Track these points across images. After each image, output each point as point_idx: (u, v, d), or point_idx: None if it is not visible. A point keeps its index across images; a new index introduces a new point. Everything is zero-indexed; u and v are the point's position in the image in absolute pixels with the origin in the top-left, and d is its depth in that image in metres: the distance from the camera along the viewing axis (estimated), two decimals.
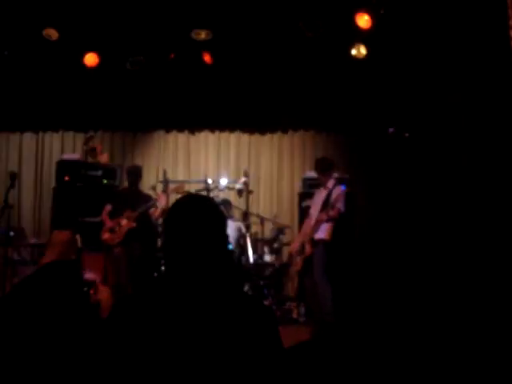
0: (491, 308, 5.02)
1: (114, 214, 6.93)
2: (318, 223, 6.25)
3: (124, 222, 6.84)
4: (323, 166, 6.52)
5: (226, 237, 1.90)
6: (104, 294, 3.49)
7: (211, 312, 1.69)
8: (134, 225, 6.81)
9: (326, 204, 6.24)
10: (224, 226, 1.91)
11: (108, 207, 6.98)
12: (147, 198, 7.03)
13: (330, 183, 6.39)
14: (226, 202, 7.76)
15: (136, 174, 7.15)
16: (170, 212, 1.88)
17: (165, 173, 7.63)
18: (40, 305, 2.02)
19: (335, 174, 6.60)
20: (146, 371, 1.62)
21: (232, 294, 1.78)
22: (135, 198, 6.95)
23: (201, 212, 1.83)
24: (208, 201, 1.93)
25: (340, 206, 6.19)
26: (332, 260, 6.21)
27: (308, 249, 6.24)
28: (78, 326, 1.96)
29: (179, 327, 1.66)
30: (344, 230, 6.53)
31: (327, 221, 6.19)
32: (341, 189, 6.32)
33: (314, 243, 6.19)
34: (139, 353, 1.65)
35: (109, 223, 6.85)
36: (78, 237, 3.65)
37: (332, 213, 6.13)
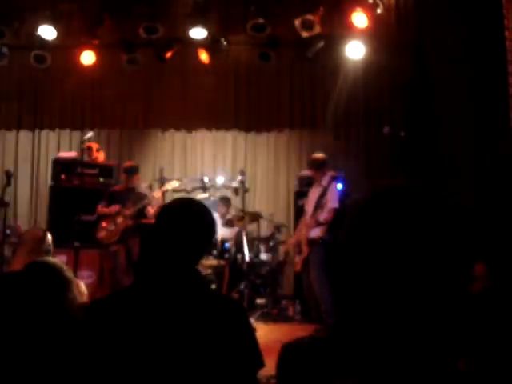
0: None
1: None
2: (312, 224, 6.26)
3: (120, 219, 6.86)
4: (317, 163, 6.52)
5: (205, 243, 1.88)
6: (79, 288, 3.48)
7: (180, 312, 1.71)
8: (130, 223, 6.83)
9: (320, 201, 6.25)
10: (206, 234, 1.89)
11: (103, 205, 6.99)
12: (143, 196, 7.04)
13: (325, 180, 6.39)
14: (226, 200, 7.77)
15: (132, 171, 7.15)
16: (157, 216, 1.90)
17: (161, 171, 7.65)
18: (12, 310, 2.02)
19: (330, 172, 6.59)
20: (117, 373, 1.64)
21: (200, 294, 1.80)
22: (131, 196, 6.97)
23: (184, 218, 1.83)
24: (195, 207, 1.92)
25: (334, 204, 6.19)
26: (331, 258, 6.20)
27: (305, 249, 6.24)
28: (51, 331, 1.96)
29: (148, 330, 1.68)
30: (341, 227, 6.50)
31: (322, 224, 6.20)
32: (335, 186, 6.33)
33: (310, 243, 6.20)
34: (109, 353, 1.67)
35: (106, 212, 6.86)
36: (49, 236, 3.66)
37: (326, 216, 6.14)
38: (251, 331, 1.77)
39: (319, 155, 6.66)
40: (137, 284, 1.83)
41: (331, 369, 1.06)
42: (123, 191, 7.06)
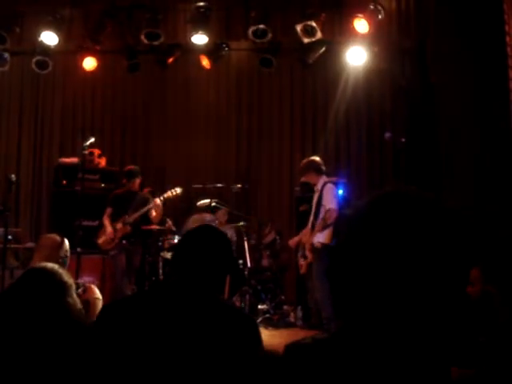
0: None
1: (114, 217, 6.94)
2: (317, 231, 6.23)
3: (119, 226, 6.86)
4: (304, 167, 6.41)
5: (229, 263, 2.06)
6: (92, 293, 3.46)
7: (193, 323, 1.74)
8: (129, 229, 6.83)
9: (318, 206, 6.21)
10: (228, 256, 2.07)
11: (109, 210, 6.98)
12: (144, 201, 7.01)
13: (320, 184, 6.32)
14: (224, 205, 7.76)
15: (131, 175, 7.11)
16: (182, 240, 2.11)
17: (163, 177, 7.65)
18: (19, 314, 2.01)
19: (324, 177, 6.40)
20: (128, 376, 1.64)
21: (214, 306, 1.85)
22: (133, 201, 6.95)
23: (209, 246, 2.01)
24: (218, 234, 2.10)
25: (330, 204, 6.11)
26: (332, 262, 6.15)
27: (309, 255, 6.22)
28: (58, 335, 1.96)
29: (160, 336, 1.70)
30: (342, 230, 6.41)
31: (326, 227, 6.17)
32: (331, 187, 6.23)
33: (314, 249, 6.15)
34: (121, 358, 1.68)
35: (109, 227, 6.85)
36: (67, 242, 3.63)
37: (328, 220, 6.11)
38: (261, 347, 1.82)
39: (307, 159, 6.53)
40: (158, 294, 1.90)
41: (334, 369, 1.06)
42: (125, 194, 7.04)
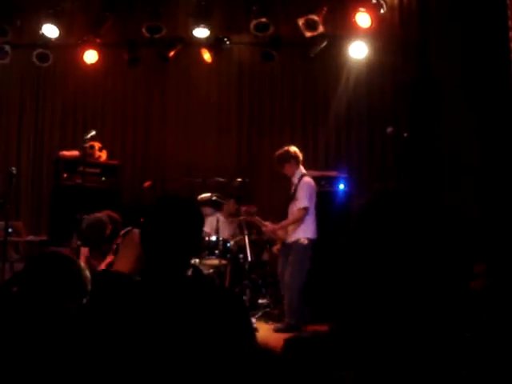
0: None
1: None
2: (284, 226, 6.19)
3: None
4: (280, 158, 6.24)
5: (197, 239, 1.98)
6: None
7: (179, 305, 1.75)
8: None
9: (291, 200, 6.14)
10: (197, 231, 1.99)
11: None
12: None
13: (296, 177, 6.21)
14: (235, 199, 7.71)
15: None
16: (152, 211, 1.99)
17: (164, 169, 7.63)
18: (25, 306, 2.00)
19: (301, 169, 6.26)
20: (118, 368, 1.64)
21: (200, 287, 1.86)
22: None
23: (179, 216, 1.93)
24: (187, 205, 2.00)
25: (305, 204, 6.04)
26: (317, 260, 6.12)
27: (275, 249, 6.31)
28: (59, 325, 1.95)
29: (147, 319, 1.72)
30: (323, 227, 6.29)
31: (294, 223, 6.10)
32: (306, 181, 6.12)
33: (298, 245, 6.04)
34: (112, 348, 1.68)
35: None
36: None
37: (298, 219, 6.04)
38: (248, 318, 1.82)
39: (283, 149, 6.28)
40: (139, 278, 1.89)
41: (333, 362, 1.06)
42: None
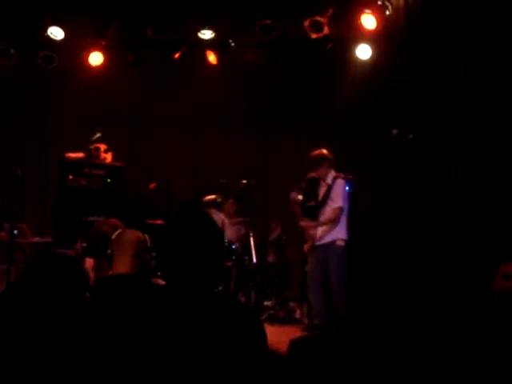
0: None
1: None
2: (321, 224, 6.18)
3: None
4: (316, 160, 6.27)
5: (219, 252, 1.97)
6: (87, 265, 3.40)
7: (195, 319, 1.73)
8: None
9: (326, 199, 6.15)
10: (218, 244, 1.99)
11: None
12: None
13: (329, 178, 6.24)
14: (237, 199, 7.72)
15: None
16: (171, 225, 1.99)
17: (169, 171, 7.63)
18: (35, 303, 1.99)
19: (333, 172, 6.33)
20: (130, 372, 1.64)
21: (216, 301, 1.84)
22: None
23: (199, 231, 1.92)
24: (206, 220, 1.99)
25: (341, 204, 6.09)
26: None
27: (306, 247, 6.23)
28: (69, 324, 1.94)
29: (162, 335, 1.69)
30: (358, 228, 6.42)
31: (329, 224, 6.13)
32: (341, 182, 6.18)
33: (336, 247, 6.07)
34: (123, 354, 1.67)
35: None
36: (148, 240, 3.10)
37: (334, 218, 6.06)
38: (265, 341, 1.78)
39: (316, 151, 6.33)
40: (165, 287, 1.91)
41: (339, 362, 1.06)
42: None
